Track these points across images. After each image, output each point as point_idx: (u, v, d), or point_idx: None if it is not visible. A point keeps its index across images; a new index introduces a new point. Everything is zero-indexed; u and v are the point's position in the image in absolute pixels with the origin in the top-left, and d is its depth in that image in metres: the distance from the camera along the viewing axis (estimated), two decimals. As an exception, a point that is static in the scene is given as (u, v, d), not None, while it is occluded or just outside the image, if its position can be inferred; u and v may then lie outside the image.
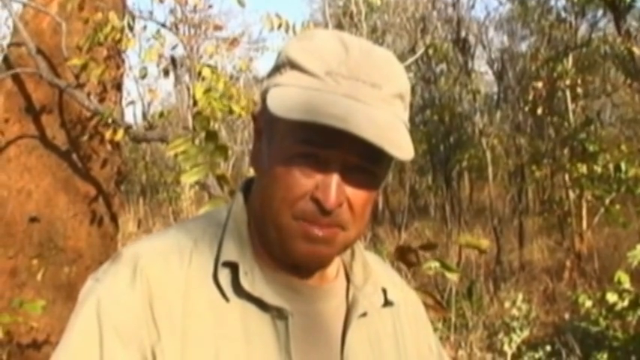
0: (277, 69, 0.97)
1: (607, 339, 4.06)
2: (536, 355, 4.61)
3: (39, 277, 3.83)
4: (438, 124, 11.29)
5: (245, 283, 0.93)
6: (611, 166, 5.99)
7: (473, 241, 2.02)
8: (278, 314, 0.94)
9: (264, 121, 0.98)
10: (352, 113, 0.89)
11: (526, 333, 5.04)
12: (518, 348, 4.73)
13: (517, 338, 4.74)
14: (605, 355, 3.74)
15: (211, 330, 0.92)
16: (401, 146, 0.92)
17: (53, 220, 4.24)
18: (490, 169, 9.73)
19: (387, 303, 1.07)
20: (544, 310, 6.72)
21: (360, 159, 0.92)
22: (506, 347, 4.57)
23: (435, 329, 5.15)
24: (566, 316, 5.85)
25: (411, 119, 13.31)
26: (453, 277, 1.85)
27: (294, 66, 0.94)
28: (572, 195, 8.45)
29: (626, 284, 3.90)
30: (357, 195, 0.94)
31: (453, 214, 11.45)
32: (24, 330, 3.82)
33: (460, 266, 8.26)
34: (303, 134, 0.91)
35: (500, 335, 4.91)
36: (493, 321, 5.28)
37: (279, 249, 0.95)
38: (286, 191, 0.92)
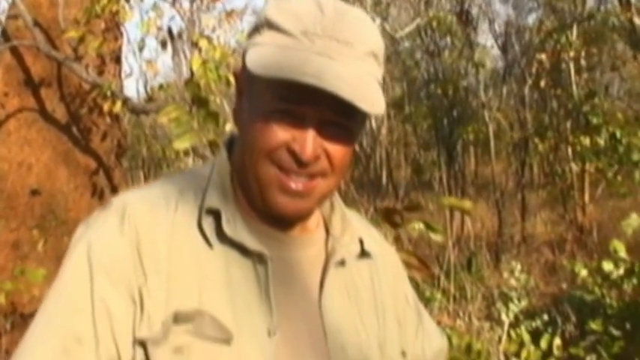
0: (256, 29, 1.01)
1: (602, 307, 4.09)
2: (533, 324, 4.65)
3: (40, 247, 3.88)
4: (441, 98, 11.26)
5: (227, 229, 0.98)
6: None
7: (456, 202, 2.04)
8: (259, 259, 0.99)
9: (245, 79, 1.02)
10: (326, 71, 0.93)
11: (524, 303, 5.07)
12: (516, 317, 4.76)
13: (515, 308, 4.77)
14: (600, 323, 3.77)
15: (195, 273, 0.96)
16: (373, 101, 0.96)
17: (54, 193, 4.29)
18: (493, 143, 9.71)
19: (364, 254, 1.11)
20: (544, 281, 6.75)
21: (335, 114, 0.97)
22: (503, 316, 4.60)
23: (434, 300, 5.21)
24: (565, 286, 5.89)
25: (416, 93, 13.29)
26: (437, 237, 1.88)
27: (271, 26, 0.98)
28: (574, 168, 8.44)
29: (622, 253, 3.92)
30: (334, 148, 0.98)
31: (456, 189, 11.46)
32: (27, 300, 3.88)
33: (462, 239, 8.32)
34: (279, 91, 0.95)
35: (499, 305, 4.95)
36: (492, 292, 5.32)
37: (261, 202, 1.00)
38: (264, 143, 0.97)
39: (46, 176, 4.27)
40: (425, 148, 13.98)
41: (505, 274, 5.31)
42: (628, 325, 3.92)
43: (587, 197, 8.57)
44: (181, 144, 2.27)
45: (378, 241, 1.19)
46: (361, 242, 1.11)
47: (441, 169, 11.31)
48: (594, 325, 3.75)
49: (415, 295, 1.25)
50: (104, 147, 4.57)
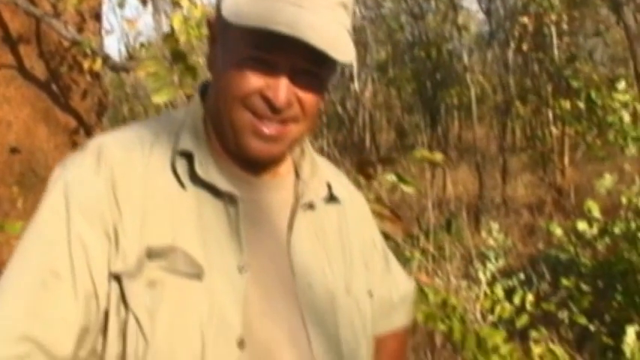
0: None
1: (576, 266, 4.18)
2: (510, 283, 4.74)
3: (19, 204, 3.89)
4: (425, 61, 11.25)
5: (200, 170, 1.02)
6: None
7: (428, 155, 2.08)
8: (230, 200, 1.03)
9: (219, 27, 1.05)
10: (298, 20, 0.97)
11: (501, 262, 5.18)
12: (493, 276, 4.85)
13: (492, 267, 4.87)
14: (573, 280, 3.86)
15: (169, 213, 1.00)
16: (343, 50, 1.00)
17: (34, 151, 4.27)
18: (474, 106, 9.75)
19: (333, 199, 1.15)
20: (522, 242, 6.86)
21: (306, 62, 1.00)
22: (481, 275, 4.70)
23: (413, 259, 5.28)
24: (542, 247, 5.99)
25: (400, 56, 13.23)
26: (409, 189, 1.92)
27: None
28: (555, 131, 8.51)
29: (596, 213, 4.00)
30: (305, 95, 1.03)
31: (440, 153, 11.49)
32: (6, 253, 3.89)
33: (443, 201, 8.40)
34: (253, 39, 0.99)
35: (476, 264, 5.04)
36: (471, 252, 5.40)
37: (235, 146, 1.04)
38: (238, 89, 1.00)
39: (26, 134, 4.24)
40: (409, 112, 13.98)
41: (483, 234, 5.40)
42: (600, 283, 4.02)
43: (566, 160, 8.66)
44: (160, 98, 2.28)
45: (346, 187, 1.23)
46: (329, 187, 1.15)
47: (424, 132, 11.34)
48: (566, 282, 3.84)
49: (383, 241, 1.29)
50: (84, 105, 4.54)
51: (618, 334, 3.65)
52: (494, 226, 5.15)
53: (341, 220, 1.17)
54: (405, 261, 5.04)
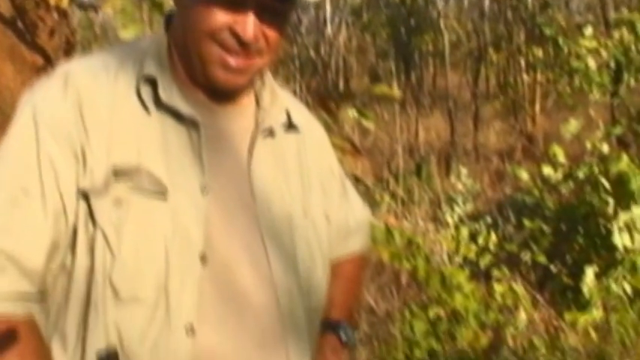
0: None
1: (541, 209, 4.28)
2: (477, 226, 4.85)
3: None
4: (399, 6, 11.16)
5: (163, 95, 1.06)
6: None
7: (386, 90, 2.11)
8: (193, 126, 1.07)
9: None
10: None
11: (469, 206, 5.27)
12: (461, 220, 4.95)
13: (459, 210, 4.96)
14: (536, 222, 3.96)
15: (134, 136, 1.04)
16: None
17: (0, 89, 4.22)
18: (447, 52, 9.73)
19: (292, 127, 1.20)
20: (492, 188, 6.96)
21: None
22: (448, 218, 4.79)
23: (383, 202, 5.34)
24: (510, 192, 6.09)
25: (374, 1, 13.08)
26: (369, 124, 1.95)
27: None
28: (526, 79, 8.56)
29: (560, 158, 4.08)
30: (271, 31, 1.08)
31: (413, 99, 11.52)
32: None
33: (415, 147, 8.47)
34: None
35: (445, 208, 5.13)
36: (439, 196, 5.48)
37: (202, 76, 1.09)
38: (207, 24, 1.05)
39: (-8, 72, 4.18)
40: (383, 58, 13.91)
41: (452, 179, 5.48)
42: (563, 226, 4.13)
43: (537, 108, 8.73)
44: (127, 33, 2.27)
45: (305, 116, 1.28)
46: (288, 114, 1.19)
47: (398, 78, 11.31)
48: (528, 223, 3.94)
49: (341, 170, 1.34)
50: (52, 44, 4.46)
51: (578, 275, 3.77)
52: (463, 170, 5.23)
53: (300, 148, 1.22)
54: (374, 205, 5.12)
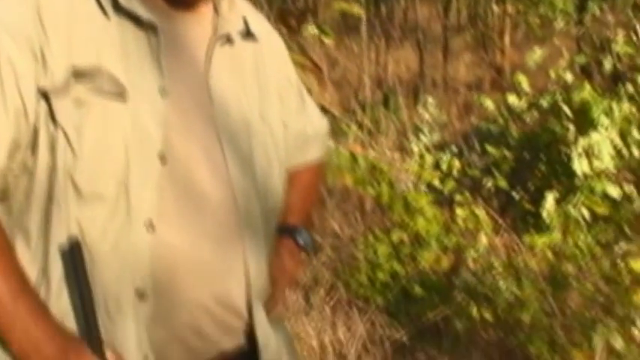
0: None
1: (505, 137, 4.35)
2: (443, 156, 4.90)
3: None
4: None
5: None
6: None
7: (347, 7, 2.11)
8: (151, 31, 1.07)
9: None
10: None
11: (436, 137, 5.32)
12: (427, 149, 5.00)
13: (425, 139, 5.01)
14: (500, 150, 4.02)
15: (94, 39, 1.05)
16: None
17: None
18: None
19: (249, 35, 1.21)
20: (459, 119, 7.01)
21: None
22: (414, 147, 4.84)
23: (349, 131, 5.36)
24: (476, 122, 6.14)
25: None
26: (328, 40, 1.96)
27: None
28: (496, 10, 8.53)
29: (525, 86, 4.12)
30: None
31: (383, 31, 11.40)
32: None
33: (383, 80, 8.45)
34: None
35: (411, 138, 5.17)
36: (406, 126, 5.50)
37: None
38: None
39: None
40: (353, -11, 13.70)
41: (420, 109, 5.51)
42: (526, 154, 4.21)
43: (507, 40, 8.73)
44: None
45: (264, 26, 1.29)
46: (246, 22, 1.20)
47: (368, 10, 11.15)
48: (491, 149, 4.00)
49: (299, 80, 1.36)
50: None
51: (539, 201, 3.87)
52: (430, 100, 5.25)
53: (257, 56, 1.23)
54: (341, 134, 5.13)
